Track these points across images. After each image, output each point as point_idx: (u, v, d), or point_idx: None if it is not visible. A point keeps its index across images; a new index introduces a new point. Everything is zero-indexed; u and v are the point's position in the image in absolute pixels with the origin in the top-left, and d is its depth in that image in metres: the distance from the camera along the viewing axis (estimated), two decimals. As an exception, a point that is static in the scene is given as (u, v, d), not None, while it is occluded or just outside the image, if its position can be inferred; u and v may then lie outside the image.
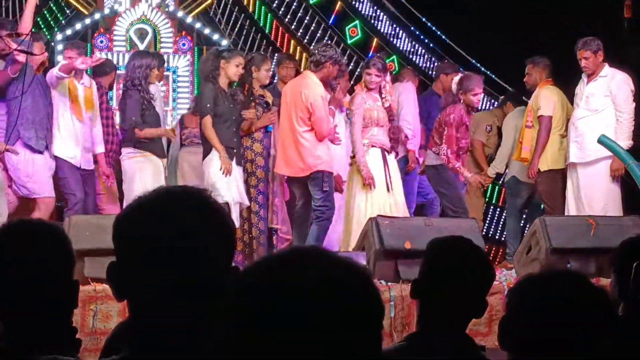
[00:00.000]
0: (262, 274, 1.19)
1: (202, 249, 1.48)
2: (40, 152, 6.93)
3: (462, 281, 2.46)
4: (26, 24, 6.62)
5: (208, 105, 6.99)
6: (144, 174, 7.00)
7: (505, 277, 6.47)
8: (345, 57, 11.44)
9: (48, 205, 6.94)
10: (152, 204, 1.53)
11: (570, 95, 7.88)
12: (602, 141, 7.17)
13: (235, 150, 7.10)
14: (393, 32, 12.54)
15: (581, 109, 7.65)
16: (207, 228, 1.50)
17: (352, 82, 8.79)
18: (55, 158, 7.08)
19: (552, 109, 7.71)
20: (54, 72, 6.98)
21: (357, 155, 7.11)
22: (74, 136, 7.12)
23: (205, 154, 7.06)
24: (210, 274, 1.48)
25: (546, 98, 7.74)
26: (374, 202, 7.01)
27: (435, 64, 11.54)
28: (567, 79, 8.01)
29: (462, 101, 7.46)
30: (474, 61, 11.16)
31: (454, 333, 2.47)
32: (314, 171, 6.93)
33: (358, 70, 10.87)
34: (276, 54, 10.24)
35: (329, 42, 8.49)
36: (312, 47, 7.29)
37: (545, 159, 7.71)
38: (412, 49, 12.46)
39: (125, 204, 6.99)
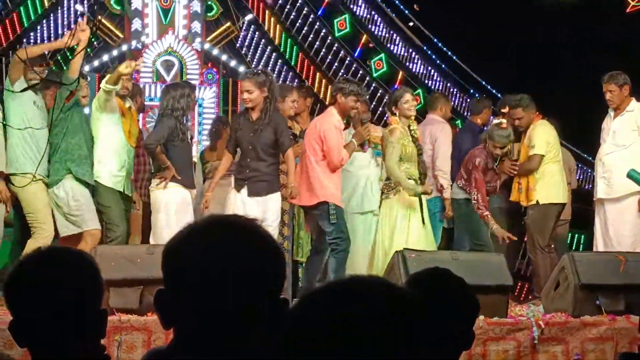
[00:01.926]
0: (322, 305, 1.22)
1: (251, 277, 1.47)
2: (88, 186, 6.94)
3: (444, 312, 2.38)
4: (74, 70, 6.69)
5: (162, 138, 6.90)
6: (169, 205, 6.97)
7: (533, 313, 6.39)
8: (371, 90, 11.48)
9: (94, 237, 6.91)
10: (202, 232, 1.51)
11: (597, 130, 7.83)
12: (632, 176, 7.11)
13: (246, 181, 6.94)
14: (424, 70, 12.58)
15: (608, 144, 7.60)
16: (256, 256, 1.49)
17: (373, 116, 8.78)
18: (100, 185, 7.02)
19: (545, 146, 7.67)
20: (102, 86, 6.90)
21: (402, 182, 7.05)
22: (122, 161, 7.12)
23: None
24: (259, 303, 1.46)
25: (539, 136, 7.71)
26: (411, 236, 6.95)
27: (459, 95, 11.54)
28: (594, 114, 7.98)
29: (486, 146, 7.50)
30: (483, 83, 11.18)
31: None
32: (320, 201, 6.89)
33: (382, 104, 10.89)
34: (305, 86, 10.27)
35: (346, 76, 8.48)
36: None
37: (546, 191, 7.63)
38: (440, 85, 12.48)
39: (152, 234, 6.96)
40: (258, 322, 1.45)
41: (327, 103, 7.36)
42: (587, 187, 11.22)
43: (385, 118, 8.41)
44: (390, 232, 7.05)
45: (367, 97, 8.38)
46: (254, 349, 1.44)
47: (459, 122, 8.90)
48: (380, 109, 11.70)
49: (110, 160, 7.01)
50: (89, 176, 6.91)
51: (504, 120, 7.68)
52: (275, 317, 1.42)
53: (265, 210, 6.77)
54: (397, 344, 1.20)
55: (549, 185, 7.64)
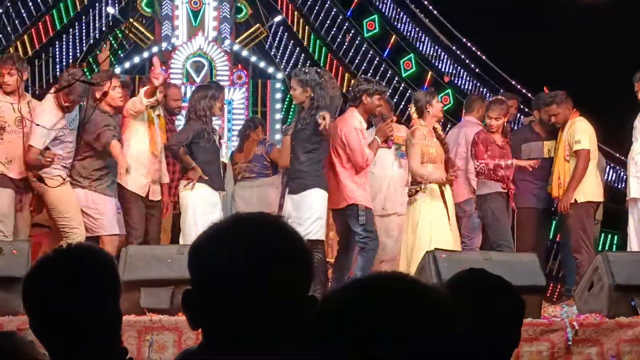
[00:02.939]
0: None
1: (279, 276, 1.45)
2: (111, 196, 6.99)
3: (487, 312, 2.32)
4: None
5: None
6: (197, 206, 6.98)
7: (567, 314, 6.31)
8: (400, 90, 11.45)
9: (113, 242, 6.94)
10: (229, 230, 1.50)
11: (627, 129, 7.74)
12: None
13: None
14: (453, 70, 12.52)
15: (640, 143, 7.50)
16: (284, 254, 1.47)
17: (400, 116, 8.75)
18: (124, 189, 7.03)
19: (589, 141, 7.58)
20: (140, 101, 6.92)
21: (427, 176, 7.00)
22: (147, 168, 7.13)
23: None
24: (287, 301, 1.44)
25: (582, 131, 7.60)
26: (439, 237, 6.89)
27: (490, 95, 11.45)
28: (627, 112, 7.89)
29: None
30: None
31: None
32: (349, 204, 6.88)
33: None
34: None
35: (364, 76, 8.44)
36: (352, 84, 7.24)
37: (584, 190, 7.53)
38: (469, 85, 12.42)
39: (181, 234, 6.98)
40: (286, 322, 1.42)
41: (348, 104, 7.26)
42: (619, 186, 11.10)
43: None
44: (415, 234, 7.01)
45: (388, 93, 8.41)
46: (283, 349, 1.41)
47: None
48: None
49: (136, 167, 7.02)
50: (105, 187, 6.94)
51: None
52: (304, 316, 1.39)
53: (299, 208, 6.77)
54: (426, 338, 1.19)
55: (586, 183, 7.53)
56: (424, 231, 6.97)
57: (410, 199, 7.12)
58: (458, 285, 2.41)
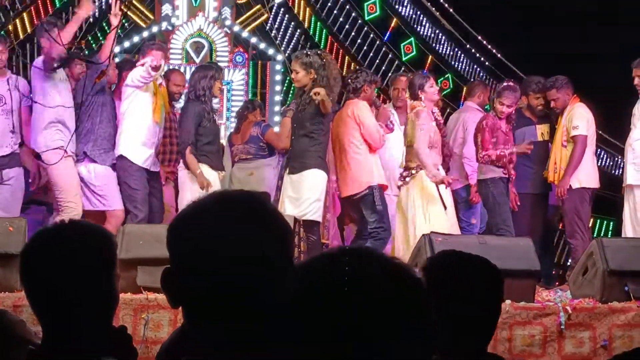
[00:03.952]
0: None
1: (258, 252, 1.44)
2: (108, 166, 7.03)
3: (465, 289, 2.35)
4: (105, 53, 6.85)
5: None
6: (195, 185, 7.03)
7: (560, 299, 6.35)
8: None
9: (118, 217, 6.99)
10: (207, 208, 1.49)
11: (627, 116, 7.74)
12: None
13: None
14: (450, 52, 12.49)
15: (638, 129, 7.51)
16: (262, 231, 1.46)
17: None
18: (125, 159, 7.05)
19: (587, 127, 7.58)
20: (143, 72, 6.94)
21: (428, 167, 7.00)
22: (150, 139, 7.15)
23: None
24: (265, 277, 1.44)
25: (580, 116, 7.60)
26: (434, 222, 6.91)
27: (486, 79, 11.45)
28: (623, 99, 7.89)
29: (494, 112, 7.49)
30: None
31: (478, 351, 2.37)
32: (364, 190, 6.89)
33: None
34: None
35: (360, 68, 8.54)
36: (346, 78, 7.23)
37: (578, 176, 7.55)
38: (467, 67, 12.40)
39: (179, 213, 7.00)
40: (266, 296, 1.42)
41: (346, 98, 7.26)
42: (616, 173, 11.10)
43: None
44: (408, 218, 7.02)
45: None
46: (263, 325, 1.41)
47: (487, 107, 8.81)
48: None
49: (140, 138, 7.06)
50: (104, 157, 6.97)
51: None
52: (284, 292, 1.40)
53: (299, 189, 6.81)
54: (389, 312, 1.21)
55: (582, 169, 7.55)
56: (418, 216, 6.98)
57: (402, 182, 7.13)
58: (436, 266, 2.45)
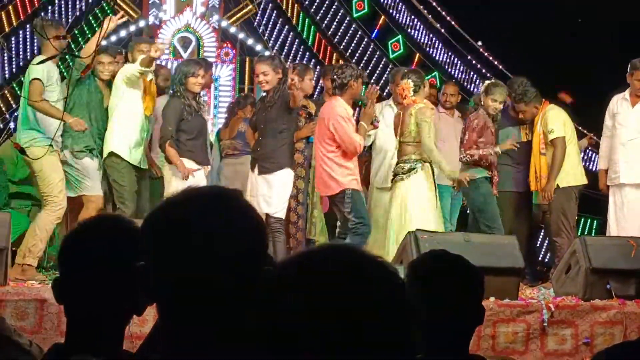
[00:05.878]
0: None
1: (231, 248, 1.44)
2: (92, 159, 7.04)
3: (446, 289, 2.38)
4: (90, 49, 6.83)
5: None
6: (180, 180, 7.02)
7: (543, 296, 6.39)
8: (388, 72, 11.46)
9: (96, 203, 7.00)
10: (180, 204, 1.48)
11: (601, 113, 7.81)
12: None
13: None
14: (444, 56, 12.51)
15: (631, 129, 7.57)
16: (236, 226, 1.46)
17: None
18: (114, 156, 7.04)
19: (563, 128, 7.62)
20: (134, 68, 6.95)
21: (442, 165, 7.04)
22: (140, 136, 7.14)
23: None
24: (240, 273, 1.44)
25: (554, 119, 7.64)
26: (424, 217, 6.92)
27: (475, 78, 11.50)
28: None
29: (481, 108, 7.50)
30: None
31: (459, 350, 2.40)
32: (339, 191, 6.93)
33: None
34: (325, 65, 10.27)
35: (346, 63, 8.58)
36: (331, 73, 7.23)
37: (565, 174, 7.58)
38: (452, 64, 12.43)
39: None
40: (242, 293, 1.42)
41: (332, 92, 7.25)
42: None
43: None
44: (404, 213, 7.03)
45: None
46: (235, 320, 1.42)
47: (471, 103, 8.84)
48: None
49: (131, 134, 7.07)
50: (86, 152, 6.98)
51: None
52: (259, 288, 1.39)
53: (272, 187, 6.94)
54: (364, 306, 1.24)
55: (567, 168, 7.59)
56: (413, 209, 6.99)
57: (398, 177, 7.12)
58: (418, 267, 2.48)
